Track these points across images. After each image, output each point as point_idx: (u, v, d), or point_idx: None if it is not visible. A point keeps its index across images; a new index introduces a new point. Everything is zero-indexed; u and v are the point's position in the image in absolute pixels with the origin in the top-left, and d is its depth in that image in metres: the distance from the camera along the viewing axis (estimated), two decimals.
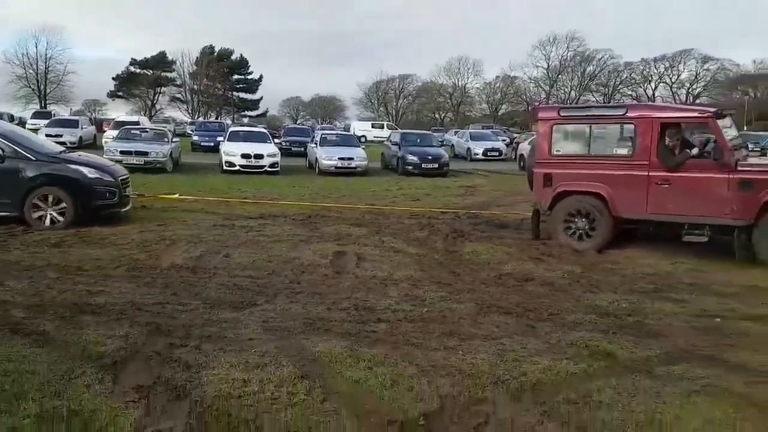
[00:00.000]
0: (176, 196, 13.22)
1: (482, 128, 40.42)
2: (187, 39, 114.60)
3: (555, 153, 8.84)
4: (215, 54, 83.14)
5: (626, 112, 8.65)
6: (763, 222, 7.51)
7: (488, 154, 27.18)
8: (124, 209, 9.88)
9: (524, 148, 24.16)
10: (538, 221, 9.17)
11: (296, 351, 4.35)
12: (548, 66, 79.86)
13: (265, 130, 23.08)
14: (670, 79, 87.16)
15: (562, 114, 9.15)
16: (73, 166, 9.42)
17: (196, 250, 7.74)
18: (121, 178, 9.79)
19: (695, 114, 8.94)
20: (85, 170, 9.38)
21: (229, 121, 52.19)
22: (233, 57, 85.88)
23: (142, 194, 12.36)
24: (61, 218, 8.94)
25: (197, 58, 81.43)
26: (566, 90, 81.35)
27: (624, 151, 8.52)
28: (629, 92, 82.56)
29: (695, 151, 8.08)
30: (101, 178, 9.42)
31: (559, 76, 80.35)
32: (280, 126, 56.09)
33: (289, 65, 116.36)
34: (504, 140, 33.33)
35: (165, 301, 5.52)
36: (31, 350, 4.17)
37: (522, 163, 23.69)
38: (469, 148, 27.43)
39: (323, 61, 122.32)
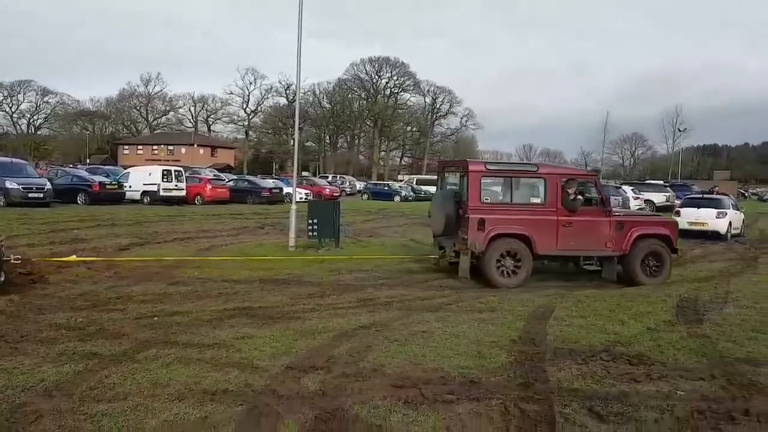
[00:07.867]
0: None
1: None
2: None
3: (484, 201, 9.77)
4: None
5: (538, 170, 10.18)
6: (633, 251, 10.16)
7: None
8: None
9: None
10: (465, 261, 9.84)
11: None
12: None
13: None
14: (10, 108, 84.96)
15: (488, 168, 10.09)
16: None
17: None
18: None
19: (586, 172, 11.54)
20: None
21: None
22: None
23: None
24: None
25: None
26: None
27: (538, 200, 10.02)
28: None
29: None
30: None
31: None
32: None
33: None
34: None
35: None
36: None
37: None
38: None
39: None
